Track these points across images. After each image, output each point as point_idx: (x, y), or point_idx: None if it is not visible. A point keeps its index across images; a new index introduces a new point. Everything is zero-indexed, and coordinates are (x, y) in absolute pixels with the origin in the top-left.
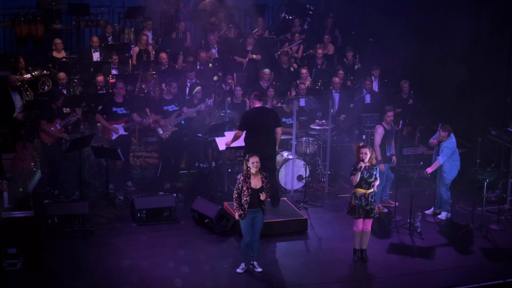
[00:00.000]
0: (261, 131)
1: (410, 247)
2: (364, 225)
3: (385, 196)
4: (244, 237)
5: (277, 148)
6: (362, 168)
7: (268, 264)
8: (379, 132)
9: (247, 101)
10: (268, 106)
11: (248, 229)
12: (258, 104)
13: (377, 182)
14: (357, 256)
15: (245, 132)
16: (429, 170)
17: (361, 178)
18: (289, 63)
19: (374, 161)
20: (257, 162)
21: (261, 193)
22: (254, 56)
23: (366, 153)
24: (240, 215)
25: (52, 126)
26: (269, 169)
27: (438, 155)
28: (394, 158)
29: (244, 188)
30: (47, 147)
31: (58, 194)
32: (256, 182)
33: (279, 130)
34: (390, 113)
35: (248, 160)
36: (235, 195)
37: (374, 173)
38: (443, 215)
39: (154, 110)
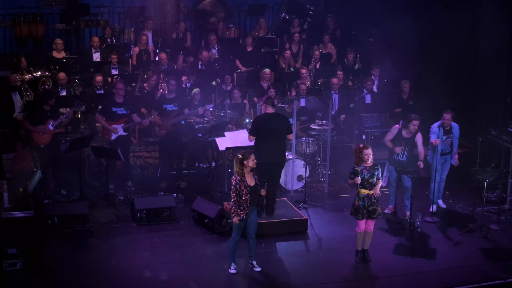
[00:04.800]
0: (273, 138)
1: (410, 247)
2: (367, 225)
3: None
4: (235, 234)
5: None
6: (364, 174)
7: (268, 264)
8: (392, 131)
9: (247, 102)
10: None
11: (240, 226)
12: (270, 110)
13: (380, 183)
14: (359, 257)
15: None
16: (456, 162)
17: (363, 179)
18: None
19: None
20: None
21: (262, 189)
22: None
23: (370, 154)
24: (240, 220)
25: (45, 127)
26: (277, 175)
27: (448, 149)
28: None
29: (243, 187)
30: (41, 149)
31: (64, 194)
32: (250, 180)
33: (290, 137)
34: (416, 122)
35: (247, 158)
36: (234, 198)
37: (376, 173)
38: (441, 203)
39: (154, 107)
